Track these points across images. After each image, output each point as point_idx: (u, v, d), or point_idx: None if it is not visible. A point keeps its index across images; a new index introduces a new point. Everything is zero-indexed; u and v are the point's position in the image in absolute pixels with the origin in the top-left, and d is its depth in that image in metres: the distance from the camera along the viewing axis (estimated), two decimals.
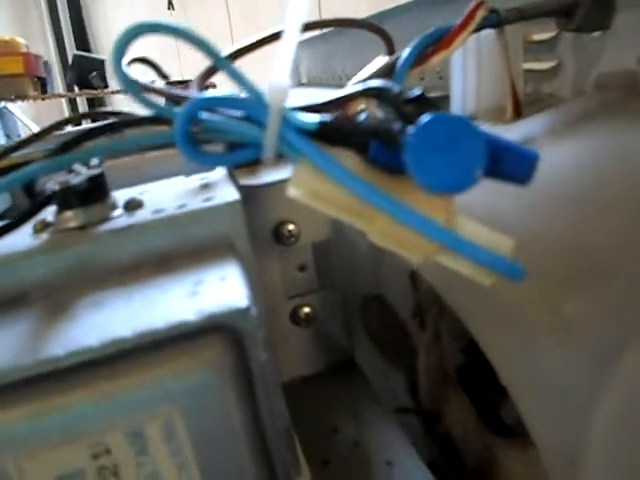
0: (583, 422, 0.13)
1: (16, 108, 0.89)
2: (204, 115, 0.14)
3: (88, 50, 2.59)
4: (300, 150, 0.13)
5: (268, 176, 0.25)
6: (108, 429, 0.13)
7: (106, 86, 0.62)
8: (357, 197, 0.13)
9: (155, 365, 0.13)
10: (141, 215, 0.19)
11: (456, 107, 0.29)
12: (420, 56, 0.19)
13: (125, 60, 0.14)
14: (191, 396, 0.13)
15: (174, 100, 0.17)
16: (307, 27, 0.14)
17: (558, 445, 0.14)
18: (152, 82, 0.52)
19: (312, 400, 0.28)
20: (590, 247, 0.16)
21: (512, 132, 0.23)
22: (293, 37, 0.14)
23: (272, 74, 0.14)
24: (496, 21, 0.22)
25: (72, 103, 2.56)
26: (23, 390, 0.13)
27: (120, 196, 0.21)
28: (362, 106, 0.16)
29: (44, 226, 0.19)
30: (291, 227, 0.26)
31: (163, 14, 1.97)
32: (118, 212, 0.19)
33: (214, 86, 0.41)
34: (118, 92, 0.54)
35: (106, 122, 0.15)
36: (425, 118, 0.12)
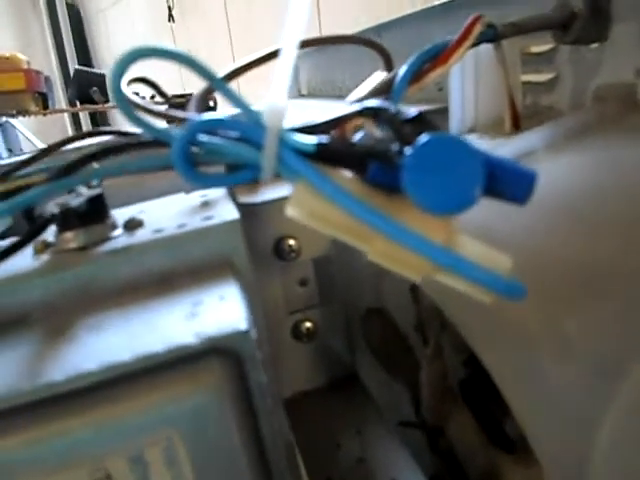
0: (586, 438, 0.13)
1: (18, 122, 0.90)
2: (203, 137, 0.14)
3: (90, 64, 2.61)
4: (298, 171, 0.13)
5: (268, 193, 0.25)
6: (108, 454, 0.13)
7: (107, 100, 0.62)
8: (355, 218, 0.13)
9: (155, 389, 0.13)
10: (141, 235, 0.19)
11: (455, 120, 0.29)
12: (418, 72, 0.19)
13: (124, 80, 0.14)
14: (191, 420, 0.13)
15: (172, 121, 0.17)
16: (305, 44, 0.14)
17: (561, 462, 0.14)
18: (152, 97, 0.52)
19: (315, 416, 0.28)
20: (589, 263, 0.15)
21: (511, 146, 0.23)
22: (290, 57, 0.14)
23: (269, 95, 0.14)
24: (493, 36, 0.23)
25: (74, 117, 2.58)
26: (22, 415, 0.13)
27: (120, 215, 0.21)
28: (359, 121, 0.16)
29: (44, 247, 0.19)
30: (292, 242, 0.26)
31: (164, 26, 1.99)
32: (118, 232, 0.19)
33: (215, 101, 0.41)
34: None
35: (108, 145, 0.15)
36: (423, 139, 0.12)
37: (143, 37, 2.25)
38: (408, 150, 0.12)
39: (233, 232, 0.18)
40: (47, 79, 0.76)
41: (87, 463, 0.13)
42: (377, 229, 0.13)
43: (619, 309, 0.14)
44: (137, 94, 0.62)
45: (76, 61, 2.57)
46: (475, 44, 0.22)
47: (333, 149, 0.13)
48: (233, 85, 0.19)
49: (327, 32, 1.10)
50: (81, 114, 2.49)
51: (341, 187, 0.13)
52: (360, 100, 0.19)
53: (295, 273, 0.28)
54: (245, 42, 1.61)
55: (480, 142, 0.26)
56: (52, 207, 0.17)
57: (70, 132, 2.61)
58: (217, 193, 0.23)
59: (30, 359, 0.14)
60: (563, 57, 0.27)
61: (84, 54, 2.73)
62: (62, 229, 0.18)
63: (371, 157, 0.13)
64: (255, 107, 0.14)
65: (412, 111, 0.13)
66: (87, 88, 0.61)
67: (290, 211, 0.14)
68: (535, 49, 0.29)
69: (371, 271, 0.29)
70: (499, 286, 0.12)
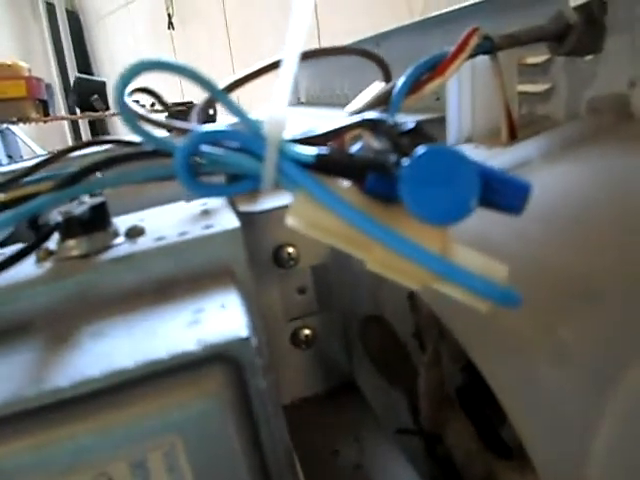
0: (581, 445, 0.13)
1: (18, 129, 0.90)
2: (204, 148, 0.14)
3: (89, 71, 2.62)
4: (297, 182, 0.14)
5: (267, 202, 0.25)
6: (111, 459, 0.13)
7: (107, 108, 0.63)
8: (354, 227, 0.13)
9: (157, 395, 0.13)
10: (143, 243, 0.19)
11: (452, 130, 0.29)
12: (416, 83, 0.20)
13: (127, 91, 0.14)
14: (192, 425, 0.14)
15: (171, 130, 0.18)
16: (306, 56, 0.14)
17: (557, 468, 0.14)
18: (152, 105, 0.52)
19: (313, 422, 0.28)
20: (584, 271, 0.16)
21: (507, 155, 0.24)
22: (291, 68, 0.14)
23: (270, 107, 0.14)
24: (490, 48, 0.23)
25: (74, 124, 2.58)
26: (27, 421, 0.13)
27: (121, 223, 0.21)
28: (356, 132, 0.16)
29: (47, 254, 0.19)
30: (291, 250, 0.27)
31: (163, 34, 2.00)
32: (120, 240, 0.20)
33: (214, 109, 0.41)
34: (119, 114, 0.55)
35: (112, 156, 0.15)
36: (420, 150, 0.13)
37: (143, 45, 2.26)
38: (405, 161, 0.13)
39: (234, 240, 0.19)
40: (48, 86, 0.77)
41: (90, 468, 0.13)
42: (375, 238, 0.13)
43: (613, 316, 0.15)
44: (137, 102, 0.63)
45: (76, 68, 2.58)
46: (472, 56, 0.22)
47: (333, 160, 0.14)
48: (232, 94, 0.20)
49: (325, 40, 1.11)
50: (80, 121, 2.49)
51: (340, 197, 0.13)
52: (360, 111, 0.19)
53: (294, 281, 0.28)
54: (244, 50, 1.62)
55: (477, 151, 0.26)
56: (56, 215, 0.17)
57: (69, 139, 2.61)
58: (217, 202, 0.23)
59: (34, 365, 0.14)
60: (558, 68, 0.28)
61: (84, 61, 2.74)
62: (65, 237, 0.19)
63: (370, 168, 0.13)
64: (254, 117, 0.15)
65: (409, 123, 0.14)
66: (88, 96, 0.61)
67: (290, 221, 0.14)
68: (531, 60, 0.29)
69: (369, 279, 0.29)
70: (495, 294, 0.13)
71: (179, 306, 0.17)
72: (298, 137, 0.15)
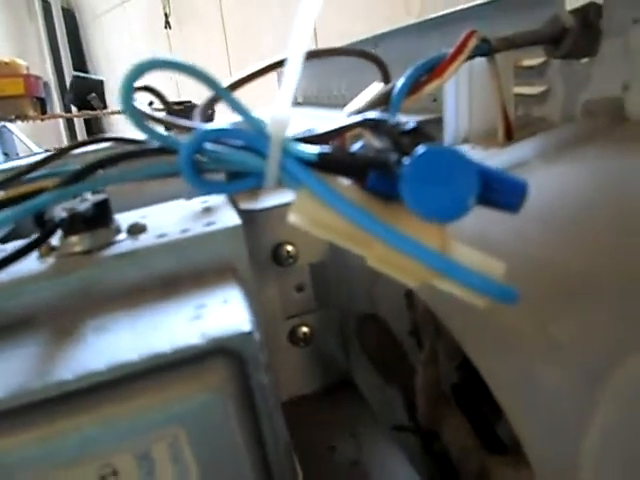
0: (575, 439, 0.13)
1: (14, 127, 0.90)
2: (208, 146, 0.15)
3: (85, 70, 2.61)
4: (300, 180, 0.14)
5: (267, 200, 0.26)
6: (116, 451, 0.13)
7: (105, 106, 0.63)
8: (355, 225, 0.14)
9: (161, 388, 0.14)
10: (145, 239, 0.19)
11: (449, 131, 0.29)
12: (414, 85, 0.20)
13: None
14: (196, 418, 0.14)
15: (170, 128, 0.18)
16: (308, 56, 0.15)
17: (551, 463, 0.14)
18: (150, 103, 0.53)
19: (310, 419, 0.28)
20: (580, 269, 0.16)
21: (504, 156, 0.24)
22: (295, 68, 0.15)
23: (274, 106, 0.14)
24: (487, 50, 0.23)
25: (69, 122, 2.57)
26: (33, 413, 0.13)
27: (123, 220, 0.21)
28: (356, 131, 0.17)
29: (50, 250, 0.19)
30: (289, 248, 0.27)
31: (160, 33, 2.00)
32: (122, 236, 0.20)
33: (212, 109, 0.41)
34: (117, 113, 0.55)
35: (117, 153, 0.15)
36: (420, 150, 0.13)
37: (139, 43, 2.26)
38: (406, 160, 0.13)
39: (235, 237, 0.19)
40: (46, 85, 0.77)
41: (96, 460, 0.13)
42: (376, 235, 0.13)
43: (608, 314, 0.15)
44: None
45: (71, 67, 2.57)
46: (470, 58, 0.22)
47: (335, 159, 0.14)
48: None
49: (322, 42, 1.11)
50: (76, 120, 2.49)
51: (342, 195, 0.14)
52: (360, 111, 0.19)
53: (292, 279, 0.28)
54: (241, 49, 1.62)
55: (474, 152, 0.27)
56: (59, 211, 0.18)
57: (65, 137, 2.60)
58: (217, 199, 0.23)
59: (39, 359, 0.15)
60: (554, 71, 0.28)
61: (79, 59, 2.73)
62: (68, 233, 0.19)
63: (372, 167, 0.13)
64: (256, 114, 0.15)
65: (410, 123, 0.14)
66: (85, 94, 0.62)
67: (292, 218, 0.14)
68: (527, 62, 0.29)
69: (366, 277, 0.29)
70: (493, 290, 0.13)
71: (181, 301, 0.17)
72: (301, 136, 0.15)
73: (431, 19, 0.41)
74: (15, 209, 0.14)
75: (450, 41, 0.22)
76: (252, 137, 0.14)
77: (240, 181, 0.15)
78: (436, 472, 0.28)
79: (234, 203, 0.24)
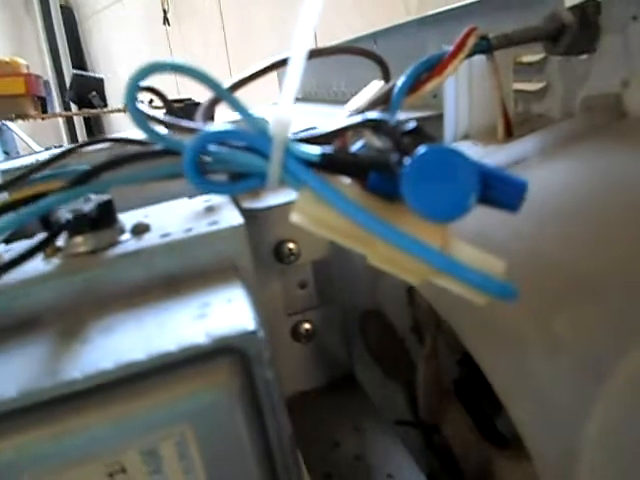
0: (573, 432, 0.14)
1: (15, 126, 0.90)
2: (211, 147, 0.15)
3: (84, 67, 2.60)
4: (302, 180, 0.14)
5: (269, 198, 0.26)
6: (124, 448, 0.14)
7: (105, 105, 0.63)
8: (357, 224, 0.14)
9: (168, 386, 0.14)
10: (149, 239, 0.19)
11: (449, 128, 0.29)
12: (415, 83, 0.20)
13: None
14: (203, 415, 0.14)
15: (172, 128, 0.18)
16: (310, 55, 0.15)
17: (551, 455, 0.15)
18: (150, 101, 0.53)
19: (313, 415, 0.28)
20: (578, 266, 0.16)
21: (504, 152, 0.24)
22: (298, 68, 0.15)
23: (277, 107, 0.15)
24: (486, 47, 0.23)
25: (69, 120, 2.57)
26: (43, 412, 0.14)
27: (126, 219, 0.22)
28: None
29: (54, 251, 0.20)
30: (291, 246, 0.27)
31: (158, 30, 1.99)
32: (126, 236, 0.20)
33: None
34: (118, 111, 0.55)
35: (122, 155, 0.15)
36: (421, 150, 0.13)
37: (138, 40, 2.25)
38: (407, 160, 0.13)
39: (238, 236, 0.19)
40: (46, 84, 0.77)
41: (104, 457, 0.14)
42: (378, 234, 0.14)
43: (606, 309, 0.15)
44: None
45: (70, 64, 2.57)
46: (469, 55, 0.22)
47: (337, 159, 0.14)
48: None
49: (321, 39, 1.11)
50: (75, 118, 2.48)
51: (344, 195, 0.14)
52: (362, 110, 0.19)
53: (295, 276, 0.28)
54: (240, 43, 1.62)
55: (474, 149, 0.27)
56: (64, 212, 0.18)
57: (64, 136, 2.60)
58: (219, 199, 0.24)
59: (47, 358, 0.15)
60: (553, 67, 0.28)
61: (78, 57, 2.73)
62: (72, 233, 0.19)
63: (374, 167, 0.14)
64: (256, 112, 0.15)
65: (411, 123, 0.14)
66: (86, 92, 0.62)
67: (295, 217, 0.15)
68: (526, 59, 0.30)
69: (368, 274, 0.30)
70: (493, 288, 0.13)
71: (186, 301, 0.17)
72: (302, 136, 0.15)
73: (429, 16, 0.41)
74: (23, 211, 0.14)
75: (449, 38, 0.22)
76: (255, 138, 0.15)
77: (243, 182, 0.15)
78: (438, 465, 0.28)
79: (236, 202, 0.24)
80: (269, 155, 0.14)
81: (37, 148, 0.87)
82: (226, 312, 0.16)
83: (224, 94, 0.15)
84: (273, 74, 0.28)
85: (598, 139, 0.23)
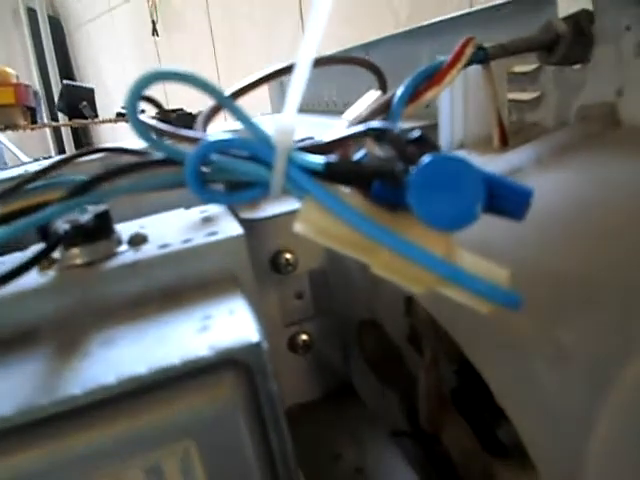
0: (579, 442, 0.14)
1: (2, 136, 0.89)
2: (213, 156, 0.15)
3: (72, 77, 2.59)
4: (306, 189, 0.14)
5: (266, 209, 0.26)
6: (126, 466, 0.13)
7: (96, 115, 0.62)
8: (361, 233, 0.14)
9: (171, 401, 0.14)
10: (147, 250, 0.19)
11: (444, 137, 0.30)
12: (414, 93, 0.20)
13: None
14: (206, 430, 0.14)
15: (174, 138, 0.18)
16: (315, 63, 0.15)
17: (556, 465, 0.14)
18: (142, 111, 0.53)
19: (312, 427, 0.28)
20: (581, 274, 0.16)
21: (500, 161, 0.24)
22: (302, 77, 0.15)
23: (279, 116, 0.14)
24: (483, 57, 0.24)
25: (56, 131, 2.55)
26: (41, 429, 0.13)
27: (122, 230, 0.21)
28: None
29: (50, 263, 0.19)
30: (288, 256, 0.27)
31: (147, 40, 1.99)
32: (124, 248, 0.20)
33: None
34: (109, 121, 0.55)
35: (122, 165, 0.15)
36: (426, 159, 0.13)
37: (126, 50, 2.25)
38: (413, 170, 0.13)
39: (238, 247, 0.19)
40: (36, 94, 0.76)
41: (105, 475, 0.13)
42: (382, 243, 0.14)
43: (610, 317, 0.15)
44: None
45: (58, 75, 2.55)
46: (467, 65, 0.23)
47: (341, 168, 0.14)
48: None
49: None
50: (63, 129, 2.47)
51: (347, 204, 0.14)
52: (362, 120, 0.19)
53: (291, 286, 0.28)
54: (229, 58, 1.62)
55: (471, 158, 0.27)
56: (60, 223, 0.18)
57: (52, 147, 2.58)
58: (217, 209, 0.23)
59: (45, 373, 0.14)
60: (547, 77, 0.29)
61: (66, 67, 2.71)
62: (68, 245, 0.19)
63: (379, 176, 0.14)
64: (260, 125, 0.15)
65: (415, 132, 0.14)
66: (77, 102, 0.61)
67: (298, 227, 0.14)
68: (521, 69, 0.30)
69: (365, 284, 0.29)
70: (497, 296, 0.13)
71: (187, 313, 0.17)
72: (305, 145, 0.15)
73: (420, 27, 0.41)
74: (20, 222, 0.14)
75: (440, 48, 0.22)
76: (258, 147, 0.14)
77: (246, 191, 0.15)
78: (437, 476, 0.28)
79: (235, 213, 0.24)
80: (272, 164, 0.14)
81: (25, 159, 0.86)
82: (229, 324, 0.16)
83: (227, 103, 0.15)
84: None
85: (594, 148, 0.23)
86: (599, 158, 0.23)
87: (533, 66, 0.29)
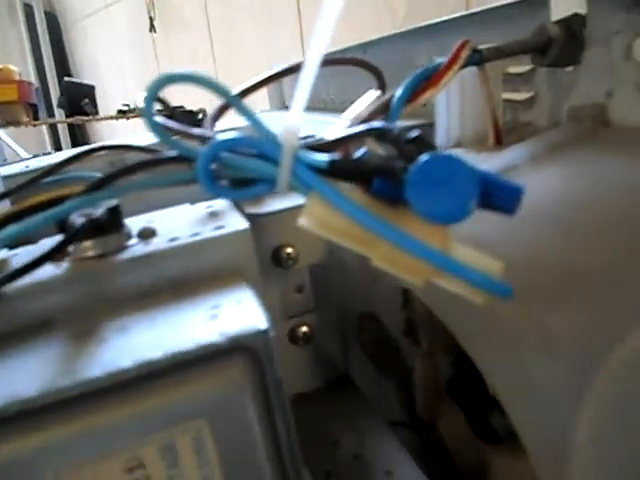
0: (568, 425, 0.14)
1: (2, 132, 0.90)
2: (223, 154, 0.15)
3: (69, 74, 2.58)
4: (311, 185, 0.15)
5: (269, 204, 0.26)
6: (143, 444, 0.14)
7: (97, 112, 0.63)
8: (363, 227, 0.15)
9: (185, 383, 0.15)
10: (157, 243, 0.20)
11: (441, 136, 0.30)
12: (412, 93, 0.21)
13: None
14: (217, 411, 0.15)
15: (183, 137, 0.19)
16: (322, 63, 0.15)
17: (545, 448, 0.15)
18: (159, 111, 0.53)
19: (312, 415, 0.29)
20: (571, 266, 0.17)
21: (495, 160, 0.25)
22: (309, 76, 0.15)
23: (286, 115, 0.15)
24: (478, 59, 0.25)
25: (53, 128, 2.54)
26: (63, 410, 0.14)
27: (131, 225, 0.22)
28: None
29: (63, 255, 0.20)
30: (290, 250, 0.28)
31: (145, 37, 1.99)
32: (134, 241, 0.20)
33: (205, 115, 0.42)
34: (110, 118, 0.55)
35: (138, 161, 0.16)
36: (424, 157, 0.14)
37: (124, 47, 2.25)
38: (412, 167, 0.14)
39: (244, 241, 0.20)
40: (37, 91, 0.77)
41: (123, 453, 0.14)
42: (382, 236, 0.14)
43: (597, 306, 0.16)
44: (127, 106, 0.63)
45: (54, 71, 2.54)
46: (463, 66, 0.23)
47: (344, 166, 0.15)
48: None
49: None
50: (59, 125, 2.46)
51: (350, 200, 0.15)
52: (363, 120, 0.20)
53: (292, 280, 0.29)
54: (227, 55, 1.62)
55: (466, 156, 0.28)
56: (75, 217, 0.18)
57: (48, 143, 2.57)
58: (222, 205, 0.24)
59: (65, 358, 0.15)
60: (541, 78, 0.30)
61: (63, 63, 2.70)
62: (81, 238, 0.20)
63: (380, 173, 0.14)
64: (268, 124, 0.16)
65: (413, 132, 0.15)
66: (78, 99, 0.62)
67: (303, 221, 0.15)
68: (515, 70, 0.31)
69: (363, 278, 0.30)
70: (491, 286, 0.14)
71: (196, 303, 0.18)
72: (310, 143, 0.16)
73: (418, 28, 0.42)
74: (42, 215, 0.15)
75: (437, 49, 0.23)
76: (265, 145, 0.15)
77: (253, 187, 0.16)
78: (433, 464, 0.29)
79: (240, 208, 0.25)
80: (279, 162, 0.15)
81: (24, 155, 0.87)
82: (237, 312, 0.16)
83: (237, 103, 0.15)
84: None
85: (584, 147, 0.24)
86: (589, 156, 0.23)
87: (527, 67, 0.30)
